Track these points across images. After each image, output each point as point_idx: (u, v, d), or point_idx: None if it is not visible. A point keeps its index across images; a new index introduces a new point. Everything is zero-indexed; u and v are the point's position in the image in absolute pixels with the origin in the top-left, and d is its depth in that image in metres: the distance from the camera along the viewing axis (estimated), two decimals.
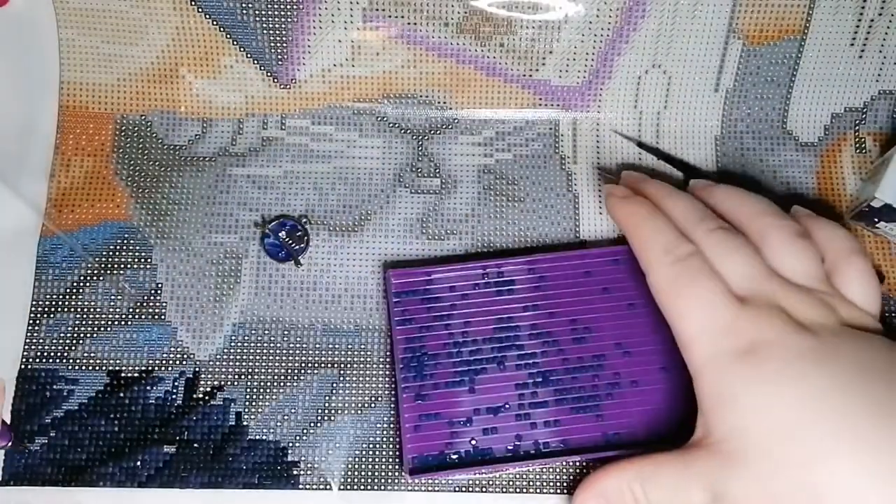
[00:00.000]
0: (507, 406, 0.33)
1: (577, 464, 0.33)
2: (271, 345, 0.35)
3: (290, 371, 0.35)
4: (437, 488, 0.33)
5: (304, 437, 0.34)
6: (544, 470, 0.33)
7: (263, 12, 0.37)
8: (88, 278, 0.36)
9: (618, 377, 0.33)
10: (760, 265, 0.30)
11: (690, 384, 0.29)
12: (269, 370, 0.35)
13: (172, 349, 0.35)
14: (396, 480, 0.33)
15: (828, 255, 0.31)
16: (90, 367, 0.35)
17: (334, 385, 0.35)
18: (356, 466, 0.34)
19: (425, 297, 0.35)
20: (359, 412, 0.34)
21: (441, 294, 0.35)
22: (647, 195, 0.34)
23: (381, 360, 0.35)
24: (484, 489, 0.33)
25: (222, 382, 0.35)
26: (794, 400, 0.26)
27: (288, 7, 0.37)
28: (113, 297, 0.36)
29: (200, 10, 0.37)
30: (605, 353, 0.34)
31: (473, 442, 0.33)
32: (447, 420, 0.33)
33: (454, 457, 0.32)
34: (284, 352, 0.35)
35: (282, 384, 0.35)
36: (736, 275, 0.29)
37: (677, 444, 0.29)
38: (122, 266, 0.36)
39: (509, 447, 0.33)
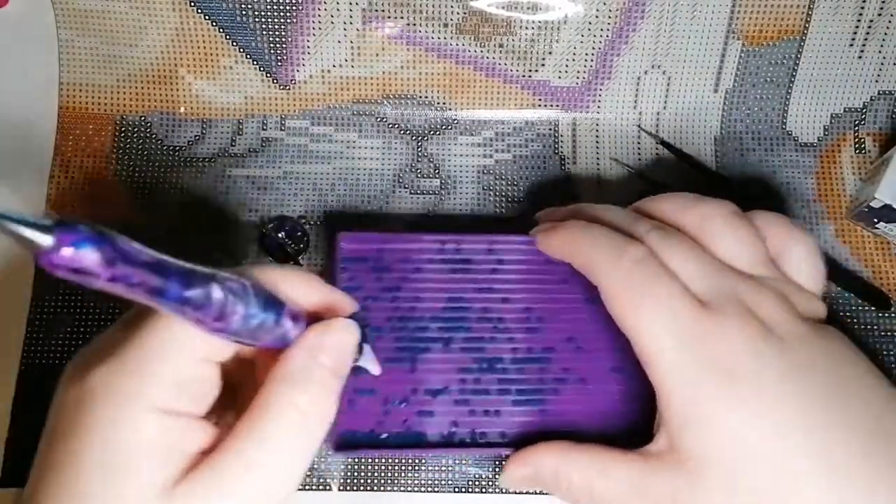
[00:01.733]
0: (447, 390, 0.31)
1: None
2: None
3: None
4: (436, 489, 0.33)
5: None
6: None
7: (263, 13, 0.37)
8: None
9: (566, 373, 0.32)
10: (709, 258, 0.28)
11: (642, 389, 0.28)
12: None
13: None
14: (396, 480, 0.33)
15: (770, 240, 0.30)
16: None
17: None
18: (355, 466, 0.34)
19: (375, 266, 0.32)
20: None
21: (393, 265, 0.32)
22: (575, 216, 0.32)
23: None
24: (484, 490, 0.33)
25: None
26: (772, 425, 0.25)
27: (287, 8, 0.37)
28: (112, 299, 0.35)
29: (200, 10, 0.37)
30: (555, 347, 0.32)
31: (407, 423, 0.31)
32: (382, 397, 0.31)
33: (384, 436, 0.31)
34: None
35: None
36: (689, 273, 0.27)
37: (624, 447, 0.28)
38: None
39: (444, 433, 0.31)
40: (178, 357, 0.22)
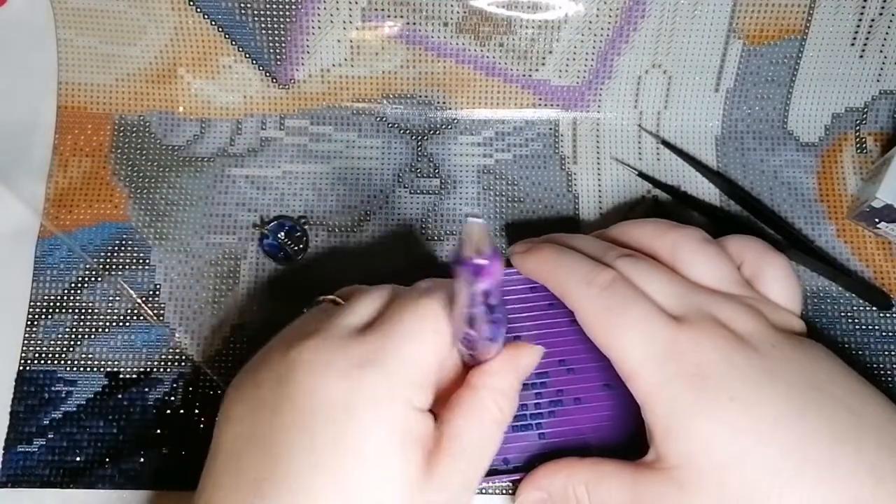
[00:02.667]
0: None
1: None
2: None
3: None
4: None
5: None
6: None
7: (262, 12, 0.37)
8: (87, 279, 0.36)
9: (561, 394, 0.33)
10: (680, 279, 0.29)
11: (634, 402, 0.28)
12: None
13: (171, 350, 0.35)
14: None
15: (745, 261, 0.31)
16: (88, 369, 0.34)
17: None
18: None
19: None
20: None
21: None
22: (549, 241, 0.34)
23: None
24: (484, 491, 0.33)
25: (221, 384, 0.34)
26: (750, 428, 0.25)
27: (286, 7, 0.37)
28: (111, 299, 0.35)
29: (199, 9, 0.37)
30: (548, 371, 0.33)
31: None
32: None
33: None
34: None
35: None
36: (661, 294, 0.29)
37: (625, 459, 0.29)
38: (121, 267, 0.36)
39: None
40: (426, 366, 0.27)
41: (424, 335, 0.27)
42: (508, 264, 0.34)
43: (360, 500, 0.24)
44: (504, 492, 0.33)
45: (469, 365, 0.29)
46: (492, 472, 0.32)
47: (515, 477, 0.32)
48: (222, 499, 0.25)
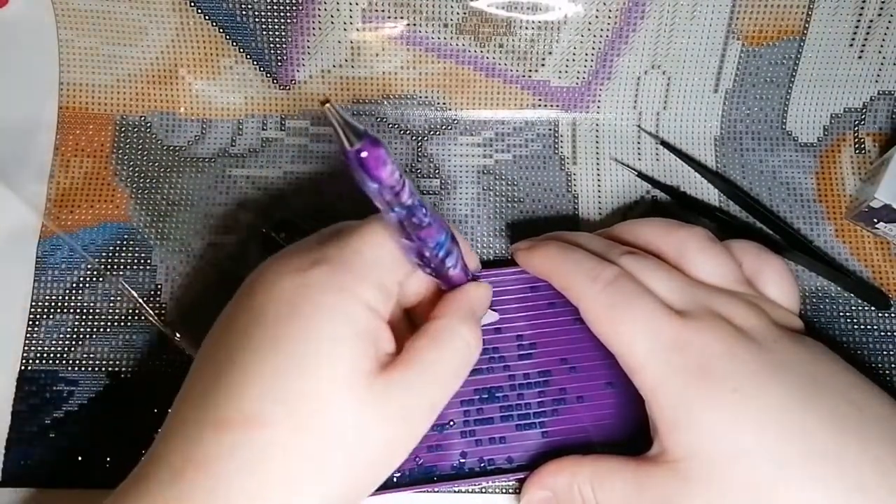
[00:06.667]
0: (451, 423, 0.32)
1: None
2: None
3: None
4: (437, 489, 0.33)
5: None
6: None
7: (263, 13, 0.37)
8: (88, 279, 0.36)
9: (563, 393, 0.33)
10: (683, 276, 0.30)
11: (637, 399, 0.28)
12: None
13: (172, 350, 0.35)
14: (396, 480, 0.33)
15: (745, 263, 0.31)
16: (90, 369, 0.35)
17: None
18: None
19: None
20: None
21: None
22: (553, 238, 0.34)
23: None
24: (484, 489, 0.33)
25: None
26: (754, 419, 0.26)
27: (287, 8, 0.37)
28: (112, 299, 0.36)
29: (200, 11, 0.38)
30: (550, 369, 0.33)
31: (419, 461, 0.32)
32: None
33: (398, 475, 0.32)
34: None
35: None
36: (665, 290, 0.29)
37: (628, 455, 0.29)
38: (122, 267, 0.36)
39: (454, 465, 0.32)
40: (385, 267, 0.26)
41: (377, 238, 0.26)
42: (510, 263, 0.34)
43: (300, 397, 0.24)
44: (508, 490, 0.33)
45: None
46: (496, 471, 0.32)
47: (520, 475, 0.32)
48: (178, 413, 0.25)
